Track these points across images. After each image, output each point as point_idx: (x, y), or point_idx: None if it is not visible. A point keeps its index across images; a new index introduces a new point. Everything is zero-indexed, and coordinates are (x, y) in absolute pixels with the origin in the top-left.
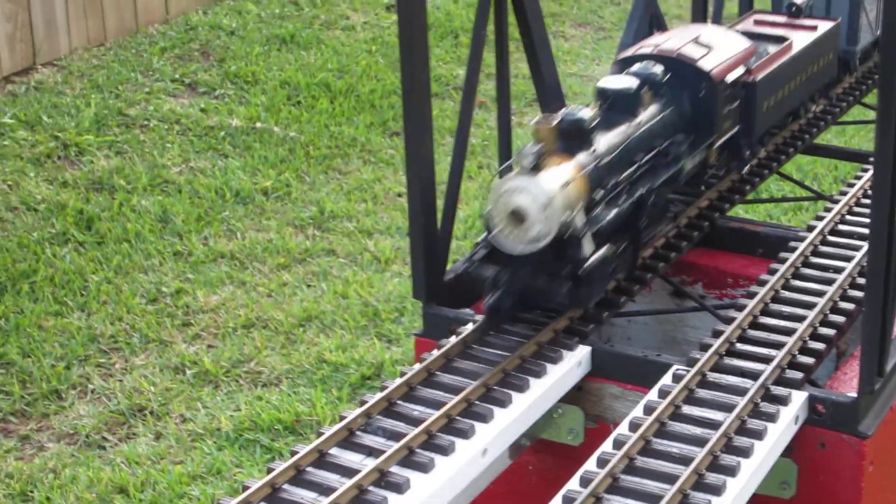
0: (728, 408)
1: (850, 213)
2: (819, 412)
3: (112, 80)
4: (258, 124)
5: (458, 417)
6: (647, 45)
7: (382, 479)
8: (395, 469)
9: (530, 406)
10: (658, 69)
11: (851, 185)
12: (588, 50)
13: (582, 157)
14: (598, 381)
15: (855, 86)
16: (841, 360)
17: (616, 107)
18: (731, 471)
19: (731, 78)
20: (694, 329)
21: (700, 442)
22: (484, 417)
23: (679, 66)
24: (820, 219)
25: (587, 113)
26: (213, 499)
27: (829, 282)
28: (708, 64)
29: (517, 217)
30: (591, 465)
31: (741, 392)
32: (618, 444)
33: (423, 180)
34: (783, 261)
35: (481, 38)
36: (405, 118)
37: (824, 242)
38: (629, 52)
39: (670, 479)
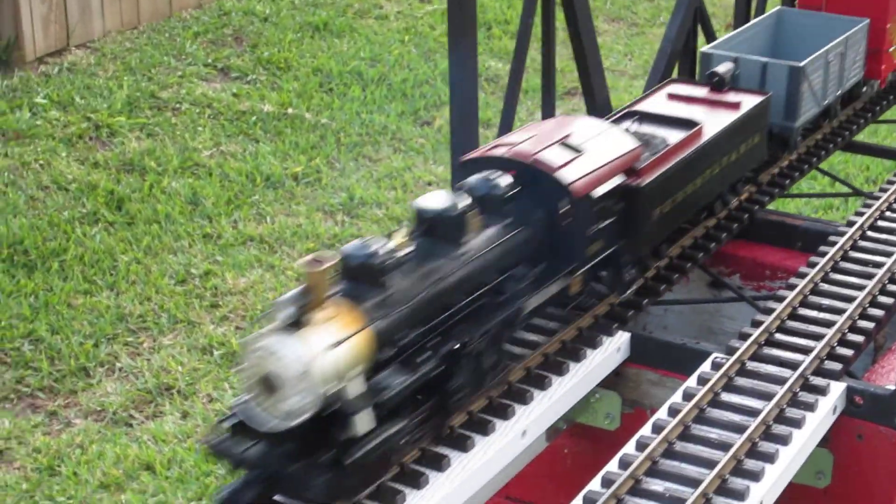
0: (767, 396)
1: (890, 209)
2: (857, 404)
3: (145, 63)
4: (290, 110)
5: (498, 398)
6: (504, 144)
7: (423, 456)
8: (436, 448)
9: (570, 389)
10: (504, 180)
11: (892, 182)
12: (621, 45)
13: (370, 304)
14: (637, 368)
15: (795, 164)
16: (879, 354)
17: (435, 232)
18: (770, 458)
19: (601, 191)
20: (730, 320)
21: (739, 429)
22: (524, 398)
23: (534, 176)
24: (860, 214)
25: (383, 247)
26: None
27: (869, 276)
28: (570, 174)
29: (269, 385)
30: (629, 448)
31: (780, 381)
32: (657, 429)
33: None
34: (823, 254)
35: (528, 28)
36: (451, 103)
37: (864, 237)
38: (477, 153)
39: (709, 463)
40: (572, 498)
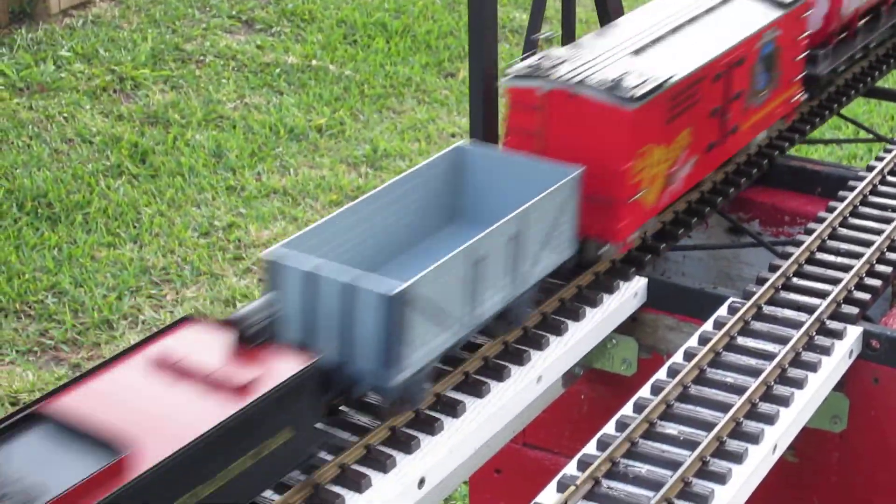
0: (783, 340)
1: None
2: (874, 347)
3: (169, 15)
4: (314, 62)
5: (513, 344)
6: None
7: (439, 401)
8: (451, 393)
9: (586, 335)
10: None
11: None
12: None
13: None
14: (654, 313)
15: (816, 111)
16: None
17: None
18: (785, 401)
19: None
20: (749, 266)
21: (754, 372)
22: (539, 344)
23: None
24: (880, 160)
25: None
26: None
27: (888, 221)
28: None
29: None
30: (645, 391)
31: (796, 325)
32: (672, 373)
33: (487, 111)
34: (842, 199)
35: None
36: (470, 55)
37: (884, 182)
38: None
39: (724, 407)
40: (586, 442)
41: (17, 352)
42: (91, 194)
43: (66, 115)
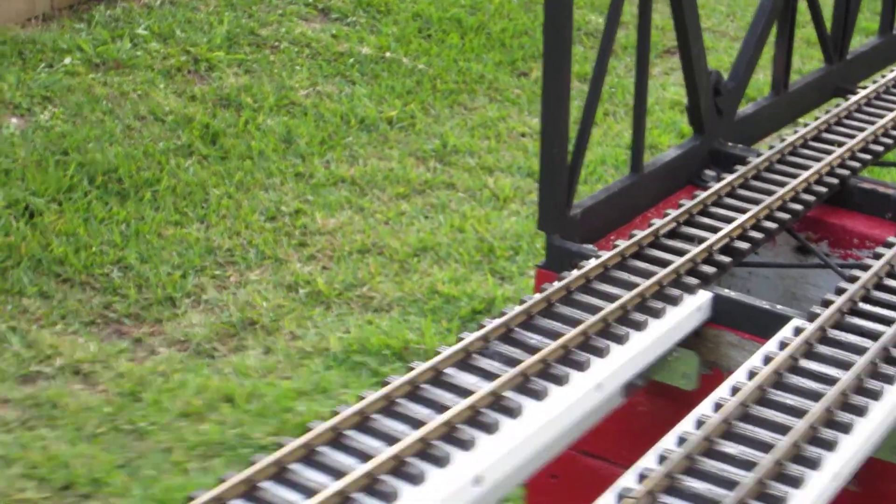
0: (846, 365)
1: None
2: None
3: (246, 0)
4: (388, 54)
5: (574, 349)
6: None
7: (497, 402)
8: (509, 394)
9: (648, 346)
10: None
11: None
12: (724, 6)
13: None
14: (717, 328)
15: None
16: None
17: None
18: (846, 428)
19: None
20: (815, 287)
21: (816, 397)
22: (601, 352)
23: None
24: None
25: None
26: (318, 415)
27: None
28: None
29: None
30: (705, 408)
31: (860, 351)
32: (734, 391)
33: (559, 110)
34: None
35: None
36: (545, 44)
37: None
38: None
39: (783, 429)
40: (644, 454)
41: (80, 322)
42: (161, 172)
43: (139, 92)
